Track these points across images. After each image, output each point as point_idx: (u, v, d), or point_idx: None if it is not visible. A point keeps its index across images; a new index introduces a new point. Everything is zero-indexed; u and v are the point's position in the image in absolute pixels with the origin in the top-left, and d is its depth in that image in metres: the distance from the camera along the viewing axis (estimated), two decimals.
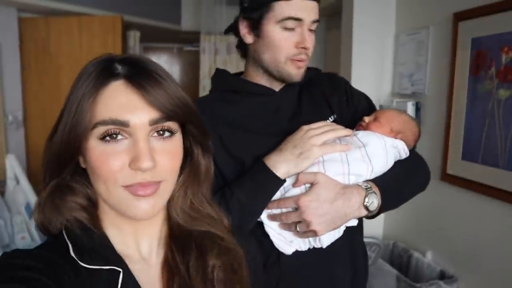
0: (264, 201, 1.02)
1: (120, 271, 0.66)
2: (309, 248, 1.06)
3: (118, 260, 0.68)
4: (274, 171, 1.00)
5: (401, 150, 1.11)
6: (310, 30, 1.10)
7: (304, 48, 1.07)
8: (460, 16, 2.03)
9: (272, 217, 1.04)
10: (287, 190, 1.03)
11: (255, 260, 0.84)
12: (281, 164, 1.01)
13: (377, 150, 1.05)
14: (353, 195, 1.00)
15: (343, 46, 2.70)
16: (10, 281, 0.56)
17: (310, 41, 1.08)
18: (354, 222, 1.07)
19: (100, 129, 0.62)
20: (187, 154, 0.74)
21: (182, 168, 0.73)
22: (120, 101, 0.63)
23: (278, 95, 1.17)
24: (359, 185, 1.03)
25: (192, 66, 5.52)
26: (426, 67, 2.31)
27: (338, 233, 1.05)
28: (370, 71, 2.61)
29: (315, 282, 1.09)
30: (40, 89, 3.66)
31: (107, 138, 0.63)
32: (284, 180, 1.02)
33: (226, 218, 0.81)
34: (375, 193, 1.02)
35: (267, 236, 1.04)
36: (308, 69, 1.27)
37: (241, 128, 1.11)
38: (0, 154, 3.39)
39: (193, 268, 0.71)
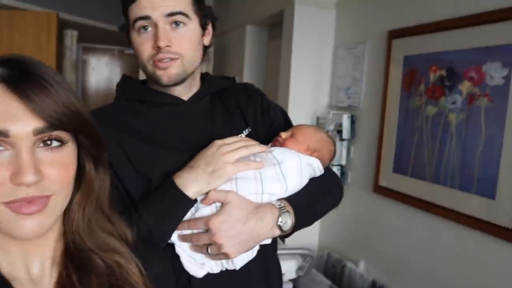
0: (174, 224, 0.96)
1: None
2: (221, 270, 1.01)
3: (3, 283, 0.62)
4: (185, 190, 0.94)
5: (316, 168, 1.09)
6: (176, 24, 1.00)
7: (159, 47, 0.98)
8: (394, 34, 2.11)
9: (183, 238, 0.98)
10: (197, 209, 0.97)
11: (163, 277, 0.80)
12: (192, 183, 0.94)
13: (292, 169, 1.02)
14: (266, 215, 0.96)
15: (282, 57, 2.73)
16: None
17: (164, 38, 0.97)
18: (268, 241, 1.03)
19: None
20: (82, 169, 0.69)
21: (79, 182, 0.68)
22: None
23: (187, 105, 1.10)
24: (272, 204, 0.99)
25: (133, 69, 5.39)
26: (362, 81, 2.38)
27: (251, 253, 1.01)
28: (308, 82, 2.65)
29: None
30: None
31: None
32: (195, 200, 0.96)
33: (131, 234, 0.76)
34: (288, 212, 0.99)
35: (178, 256, 0.98)
36: (222, 78, 1.23)
37: (148, 141, 1.04)
38: None
39: None
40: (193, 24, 1.04)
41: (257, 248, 1.01)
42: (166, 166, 1.00)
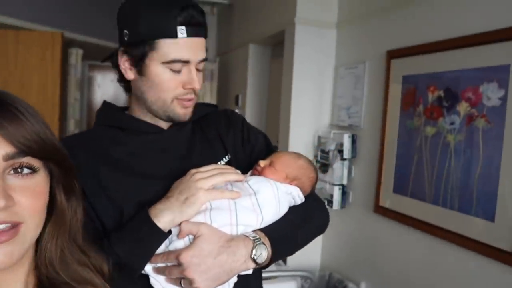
0: (145, 256, 0.93)
1: None
2: None
3: None
4: (157, 221, 0.91)
5: (295, 196, 1.07)
6: (198, 70, 1.03)
7: (192, 89, 1.02)
8: (393, 54, 2.12)
9: (157, 270, 0.95)
10: (171, 241, 0.95)
11: None
12: (164, 212, 0.92)
13: (268, 199, 1.00)
14: (239, 248, 0.93)
15: (284, 76, 2.74)
16: None
17: (198, 81, 1.02)
18: (249, 271, 0.98)
19: None
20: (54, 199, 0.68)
21: (50, 213, 0.67)
22: None
23: (167, 133, 1.09)
24: (246, 236, 0.95)
25: None
26: (362, 100, 2.38)
27: (227, 286, 0.98)
28: (309, 102, 2.66)
29: None
30: None
31: None
32: (169, 233, 0.93)
33: (106, 264, 0.74)
34: (264, 243, 0.95)
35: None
36: (204, 105, 1.22)
37: (123, 170, 1.01)
38: None
39: None
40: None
41: (233, 280, 0.98)
42: (139, 196, 0.99)
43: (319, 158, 2.58)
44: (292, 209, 1.06)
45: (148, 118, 1.08)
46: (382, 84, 2.21)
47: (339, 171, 2.45)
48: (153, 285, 0.95)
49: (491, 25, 1.60)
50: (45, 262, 0.67)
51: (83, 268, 0.70)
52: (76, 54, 4.02)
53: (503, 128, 1.53)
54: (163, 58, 0.98)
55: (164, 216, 0.92)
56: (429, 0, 1.92)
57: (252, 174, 1.10)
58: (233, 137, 1.16)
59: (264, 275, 1.27)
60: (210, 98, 3.79)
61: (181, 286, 0.93)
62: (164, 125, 1.10)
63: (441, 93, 1.81)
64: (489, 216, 1.59)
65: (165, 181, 1.00)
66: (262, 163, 1.09)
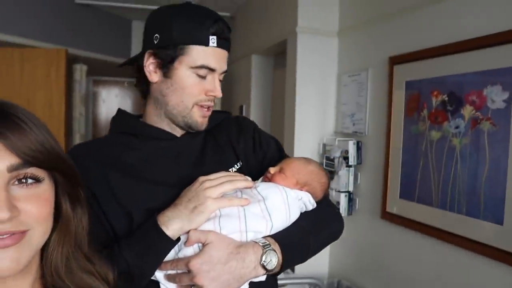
0: (154, 263, 0.93)
1: None
2: None
3: None
4: (165, 229, 0.91)
5: (306, 202, 1.06)
6: (220, 80, 1.10)
7: (214, 96, 1.07)
8: (395, 60, 2.13)
9: (168, 278, 0.95)
10: (180, 248, 0.95)
11: None
12: (173, 220, 0.92)
13: (277, 205, 0.99)
14: (248, 255, 0.93)
15: (287, 85, 2.75)
16: None
17: (220, 90, 1.08)
18: (262, 278, 0.98)
19: None
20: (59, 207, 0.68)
21: (56, 222, 0.67)
22: None
23: (180, 140, 1.11)
24: (256, 243, 0.95)
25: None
26: (366, 107, 2.38)
27: None
28: (313, 110, 2.67)
29: None
30: None
31: None
32: (178, 240, 0.94)
33: (112, 273, 0.74)
34: (274, 250, 0.95)
35: None
36: (218, 112, 1.23)
37: (134, 176, 1.03)
38: None
39: None
40: None
41: (245, 287, 0.97)
42: (149, 202, 0.99)
43: (324, 166, 2.58)
44: (304, 215, 1.06)
45: (165, 125, 1.10)
46: (386, 90, 2.22)
47: (345, 178, 2.45)
48: None
49: (493, 28, 1.60)
50: (51, 270, 0.67)
51: (89, 275, 0.71)
52: (80, 70, 4.05)
53: (509, 130, 1.53)
54: (192, 63, 1.03)
55: (172, 224, 0.92)
56: (430, 6, 1.93)
57: (263, 181, 1.10)
58: (245, 144, 1.17)
59: None
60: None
61: None
62: (178, 132, 1.12)
63: (445, 97, 1.81)
64: (498, 219, 1.58)
65: (176, 188, 1.01)
66: (272, 170, 1.09)
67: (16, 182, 0.59)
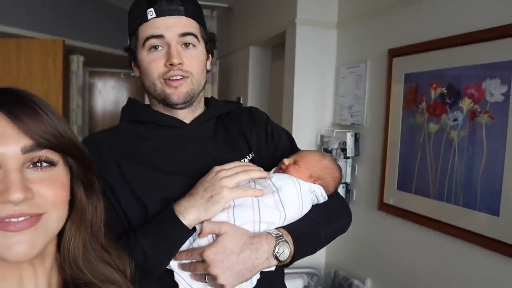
0: (170, 252, 0.95)
1: None
2: None
3: None
4: (181, 218, 0.92)
5: (318, 195, 1.07)
6: (186, 45, 1.05)
7: (171, 64, 1.02)
8: (394, 52, 2.14)
9: (182, 267, 0.96)
10: (195, 238, 0.96)
11: None
12: (189, 209, 0.93)
13: (291, 196, 0.99)
14: (261, 245, 0.93)
15: (286, 77, 2.76)
16: None
17: (177, 55, 1.02)
18: (271, 268, 0.99)
19: None
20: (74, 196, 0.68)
21: (71, 210, 0.67)
22: None
23: (190, 128, 1.11)
24: (269, 233, 0.96)
25: (139, 91, 5.45)
26: (364, 99, 2.40)
27: (250, 284, 0.97)
28: (311, 102, 2.68)
29: None
30: None
31: None
32: (194, 230, 0.94)
33: (129, 265, 0.75)
34: (286, 241, 0.96)
35: (177, 285, 0.97)
36: (229, 103, 1.24)
37: (147, 165, 1.03)
38: None
39: None
40: (201, 47, 1.09)
41: (256, 277, 0.99)
42: (163, 192, 1.00)
43: None
44: (315, 208, 1.07)
45: (163, 110, 1.10)
46: (384, 83, 2.23)
47: (342, 169, 2.46)
48: (178, 281, 0.97)
49: (492, 22, 1.62)
50: (69, 261, 0.68)
51: (106, 266, 0.71)
52: (77, 61, 4.04)
53: (507, 123, 1.55)
54: (142, 40, 1.04)
55: (189, 214, 0.93)
56: None
57: (276, 172, 1.10)
58: (257, 135, 1.17)
59: None
60: None
61: (206, 282, 0.94)
62: (187, 119, 1.11)
63: (444, 90, 1.83)
64: (494, 210, 1.61)
65: (189, 177, 1.02)
66: (286, 161, 1.08)
67: (31, 166, 0.60)
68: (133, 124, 1.11)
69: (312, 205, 1.07)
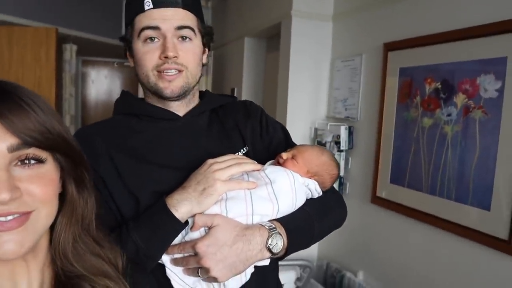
0: (163, 245, 0.94)
1: None
2: None
3: None
4: (174, 211, 0.91)
5: (313, 189, 1.06)
6: (182, 38, 1.04)
7: (166, 57, 1.01)
8: (390, 46, 2.14)
9: (175, 262, 0.95)
10: (187, 232, 0.95)
11: None
12: (182, 203, 0.92)
13: (284, 188, 0.99)
14: (254, 237, 0.92)
15: (280, 69, 2.75)
16: None
17: (172, 48, 1.01)
18: (265, 262, 0.98)
19: None
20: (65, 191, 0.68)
21: (62, 205, 0.67)
22: None
23: (183, 121, 1.10)
24: (262, 226, 0.95)
25: (132, 81, 5.42)
26: (359, 93, 2.40)
27: (244, 277, 0.96)
28: (306, 94, 2.67)
29: None
30: None
31: None
32: (186, 223, 0.94)
33: (121, 257, 0.75)
34: (279, 234, 0.94)
35: (169, 280, 0.96)
36: (223, 96, 1.23)
37: (140, 158, 1.02)
38: None
39: None
40: (197, 40, 1.08)
41: (250, 270, 0.98)
42: (156, 185, 0.99)
43: None
44: (310, 202, 1.06)
45: (157, 102, 1.09)
46: (379, 76, 2.23)
47: None
48: (170, 277, 0.96)
49: (488, 18, 1.62)
50: (59, 254, 0.68)
51: (97, 259, 0.71)
52: (70, 50, 4.01)
53: (500, 119, 1.56)
54: (137, 31, 1.03)
55: (182, 207, 0.92)
56: None
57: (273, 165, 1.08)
58: (252, 128, 1.16)
59: None
60: None
61: (199, 276, 0.93)
62: (181, 112, 1.11)
63: (438, 85, 1.84)
64: (485, 205, 1.63)
65: (182, 170, 1.01)
66: (284, 155, 1.07)
67: (19, 163, 0.59)
68: (126, 116, 1.10)
69: (307, 199, 1.06)
